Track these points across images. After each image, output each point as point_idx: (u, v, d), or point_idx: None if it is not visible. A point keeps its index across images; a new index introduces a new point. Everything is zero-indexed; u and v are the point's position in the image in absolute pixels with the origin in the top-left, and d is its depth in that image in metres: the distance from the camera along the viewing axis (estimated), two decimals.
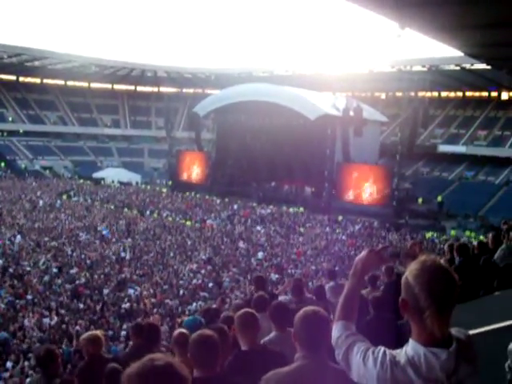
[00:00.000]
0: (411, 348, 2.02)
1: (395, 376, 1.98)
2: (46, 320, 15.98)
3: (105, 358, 5.05)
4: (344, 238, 34.08)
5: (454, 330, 2.06)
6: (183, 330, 4.57)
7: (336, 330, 2.33)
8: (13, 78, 73.82)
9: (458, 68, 51.43)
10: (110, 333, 14.99)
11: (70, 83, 77.91)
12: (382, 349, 2.08)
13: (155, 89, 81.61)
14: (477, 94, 60.80)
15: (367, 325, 4.83)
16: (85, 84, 78.97)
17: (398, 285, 2.12)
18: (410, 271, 2.04)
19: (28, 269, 22.92)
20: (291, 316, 4.76)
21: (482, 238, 27.63)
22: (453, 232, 36.71)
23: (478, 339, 2.29)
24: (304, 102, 43.75)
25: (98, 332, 5.34)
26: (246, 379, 3.26)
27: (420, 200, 43.27)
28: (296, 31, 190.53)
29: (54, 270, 22.89)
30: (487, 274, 6.14)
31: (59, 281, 21.35)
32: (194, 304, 19.00)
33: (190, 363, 3.20)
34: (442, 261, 2.12)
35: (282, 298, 7.40)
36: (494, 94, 59.24)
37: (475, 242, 9.02)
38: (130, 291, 20.46)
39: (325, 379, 2.64)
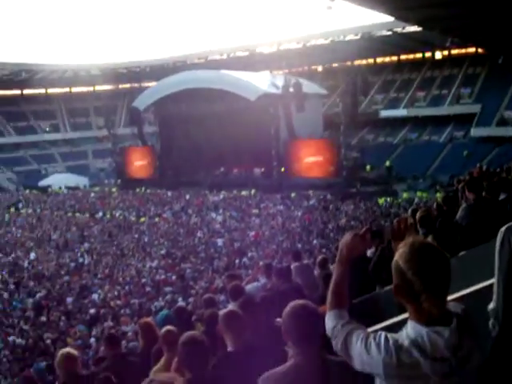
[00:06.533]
0: (412, 329, 1.99)
1: (401, 360, 1.95)
2: (12, 338, 15.59)
3: (81, 374, 4.91)
4: (299, 214, 34.26)
5: (451, 306, 2.05)
6: (170, 328, 4.61)
7: (330, 320, 2.28)
8: None
9: (390, 33, 51.95)
10: (79, 342, 14.71)
11: (1, 92, 75.67)
12: (382, 334, 2.04)
13: (91, 88, 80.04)
14: (411, 56, 61.64)
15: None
16: (17, 92, 76.89)
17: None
18: (399, 255, 2.00)
19: None
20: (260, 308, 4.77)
21: (438, 195, 28.17)
22: (405, 194, 37.31)
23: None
24: (242, 84, 43.61)
25: (71, 349, 5.20)
26: (234, 381, 3.22)
27: (368, 167, 43.77)
28: (227, 12, 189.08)
29: (12, 287, 22.43)
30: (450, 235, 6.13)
31: (18, 296, 20.95)
32: (161, 299, 18.89)
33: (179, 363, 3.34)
34: (430, 240, 2.09)
35: (254, 284, 7.34)
36: (428, 54, 60.16)
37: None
38: (94, 296, 20.17)
39: (325, 373, 2.58)
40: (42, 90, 78.48)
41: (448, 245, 6.02)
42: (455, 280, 2.02)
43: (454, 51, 57.58)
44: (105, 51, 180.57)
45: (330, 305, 2.33)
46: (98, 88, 78.62)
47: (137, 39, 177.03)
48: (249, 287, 7.04)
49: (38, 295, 20.61)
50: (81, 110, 77.73)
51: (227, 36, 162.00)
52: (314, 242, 26.56)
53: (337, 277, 2.39)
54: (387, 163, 45.03)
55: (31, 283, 22.86)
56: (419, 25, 22.23)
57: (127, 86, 75.97)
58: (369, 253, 6.81)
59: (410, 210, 8.46)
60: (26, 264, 26.86)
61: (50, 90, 79.14)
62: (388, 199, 35.51)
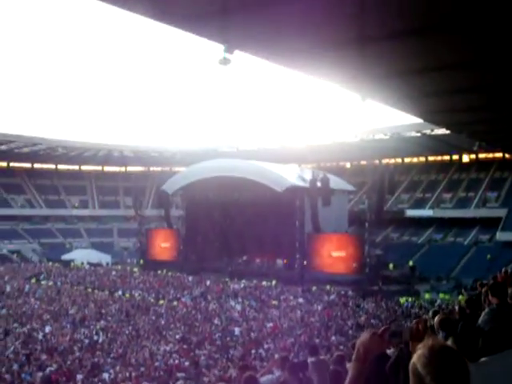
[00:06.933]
0: None
1: None
2: None
3: None
4: (319, 308, 33.82)
5: None
6: None
7: None
8: None
9: (418, 134, 52.70)
10: None
11: (37, 166, 77.87)
12: None
13: (122, 168, 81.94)
14: (439, 158, 62.41)
15: None
16: (52, 166, 78.89)
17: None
18: (418, 358, 1.90)
19: None
20: None
21: (461, 298, 27.73)
22: (427, 295, 36.79)
23: None
24: (271, 175, 44.22)
25: None
26: None
27: (391, 265, 43.42)
28: (260, 106, 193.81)
29: (23, 358, 22.19)
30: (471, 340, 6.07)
31: (28, 368, 20.67)
32: None
33: None
34: (450, 343, 2.06)
35: (269, 377, 7.27)
36: (456, 157, 60.94)
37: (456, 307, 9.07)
38: (105, 375, 19.81)
39: None
40: (76, 167, 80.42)
41: (469, 350, 5.97)
42: None
43: (482, 155, 58.21)
44: (138, 134, 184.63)
45: None
46: (130, 169, 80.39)
47: (170, 124, 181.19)
48: (263, 379, 6.98)
49: (48, 369, 20.31)
50: (111, 189, 79.11)
51: (258, 128, 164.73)
52: (333, 338, 26.07)
53: (353, 375, 2.34)
54: (410, 263, 44.68)
55: (43, 356, 22.58)
56: (447, 128, 22.58)
57: (157, 169, 77.72)
58: (389, 351, 6.75)
59: (431, 312, 8.41)
60: (40, 336, 26.67)
61: (83, 167, 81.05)
62: (410, 299, 34.96)
